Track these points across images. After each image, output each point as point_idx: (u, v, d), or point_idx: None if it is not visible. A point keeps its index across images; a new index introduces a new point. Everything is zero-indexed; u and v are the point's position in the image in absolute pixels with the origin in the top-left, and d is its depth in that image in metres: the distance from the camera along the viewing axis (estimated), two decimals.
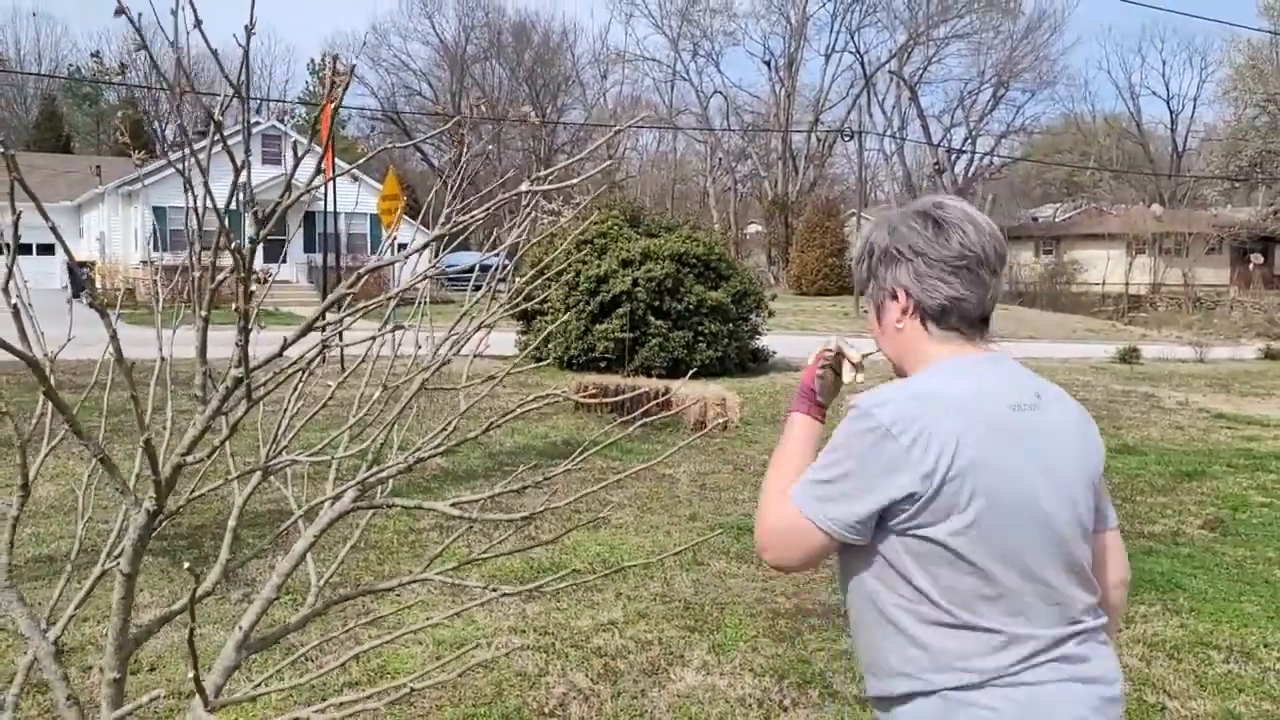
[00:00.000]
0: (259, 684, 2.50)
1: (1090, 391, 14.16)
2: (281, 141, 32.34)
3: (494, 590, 2.39)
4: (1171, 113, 75.78)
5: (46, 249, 32.87)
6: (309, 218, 31.36)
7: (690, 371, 13.74)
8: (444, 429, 2.29)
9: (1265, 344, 22.87)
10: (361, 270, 1.44)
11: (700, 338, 14.28)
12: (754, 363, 15.50)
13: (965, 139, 51.53)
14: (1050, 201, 57.51)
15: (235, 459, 2.26)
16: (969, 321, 1.73)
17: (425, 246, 1.48)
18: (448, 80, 53.94)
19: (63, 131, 48.45)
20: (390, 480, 2.39)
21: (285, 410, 1.96)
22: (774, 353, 15.90)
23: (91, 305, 1.56)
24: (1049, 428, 1.69)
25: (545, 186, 1.35)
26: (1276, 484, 8.08)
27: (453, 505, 2.29)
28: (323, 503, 2.24)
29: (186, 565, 1.57)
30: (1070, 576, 1.64)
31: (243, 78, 1.42)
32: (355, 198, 25.83)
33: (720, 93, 52.73)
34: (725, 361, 14.59)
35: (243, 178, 1.53)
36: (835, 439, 1.66)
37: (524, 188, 1.37)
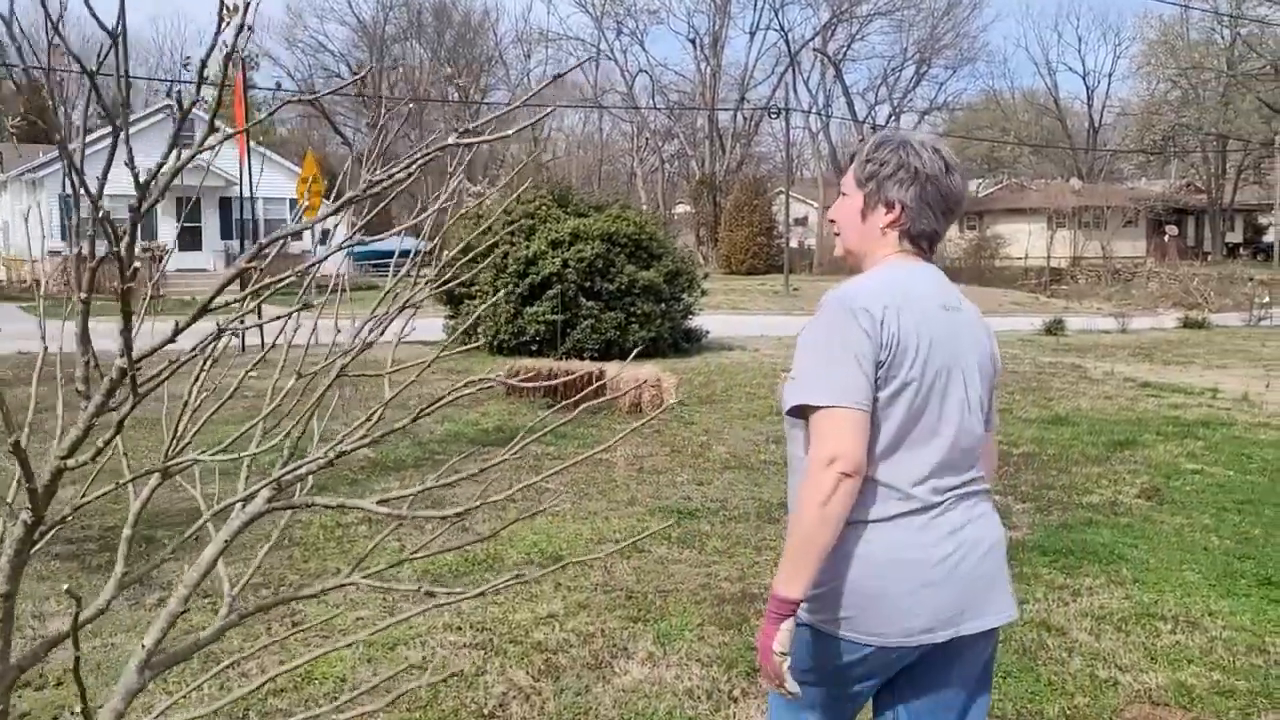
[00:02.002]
0: (175, 701, 2.29)
1: (1019, 364, 14.31)
2: (194, 125, 31.32)
3: (428, 594, 2.20)
4: (1088, 88, 77.72)
5: None
6: (225, 203, 30.49)
7: (626, 353, 13.59)
8: (367, 419, 2.09)
9: (1183, 313, 23.42)
10: (264, 241, 1.24)
11: (633, 318, 14.12)
12: (688, 342, 15.40)
13: (889, 116, 52.02)
14: (973, 177, 58.35)
15: (137, 459, 2.04)
16: (931, 245, 2.07)
17: (336, 210, 1.28)
18: (367, 61, 52.81)
19: None
20: (310, 477, 2.19)
21: (186, 404, 1.74)
22: (707, 332, 15.81)
23: None
24: (966, 329, 2.04)
25: (471, 140, 1.17)
26: (1205, 451, 8.19)
27: (380, 503, 2.10)
28: (235, 504, 2.03)
29: (65, 588, 1.36)
30: (969, 448, 2.00)
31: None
32: (261, 178, 25.14)
33: (645, 71, 52.52)
34: (659, 342, 14.46)
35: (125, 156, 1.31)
36: (816, 336, 1.93)
37: (451, 140, 1.18)
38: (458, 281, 2.13)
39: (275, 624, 4.43)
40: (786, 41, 48.66)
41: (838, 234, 2.13)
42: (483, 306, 2.54)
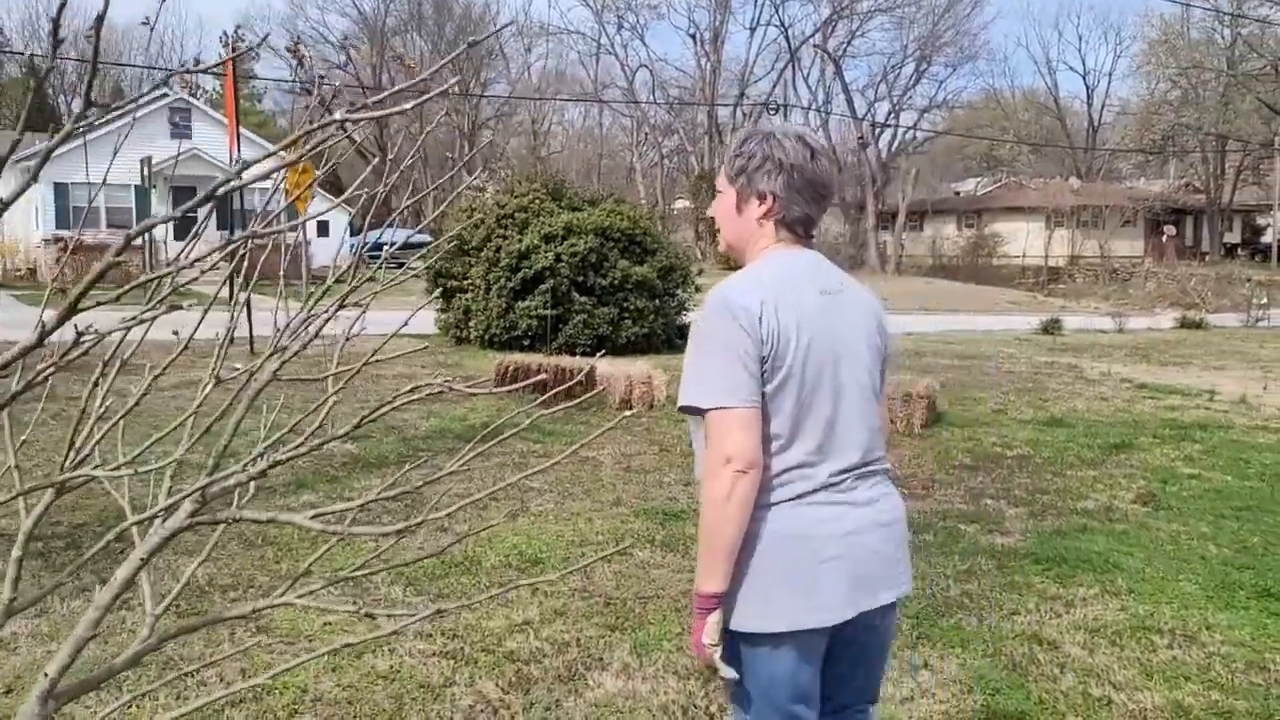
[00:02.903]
0: (126, 705, 2.13)
1: (1015, 364, 14.17)
2: (191, 115, 31.08)
3: (368, 615, 2.05)
4: (1087, 88, 77.28)
5: None
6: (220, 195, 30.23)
7: (619, 349, 13.42)
8: (311, 426, 1.93)
9: (1180, 314, 23.29)
10: (131, 233, 1.08)
11: (626, 314, 13.95)
12: (681, 339, 15.21)
13: (889, 113, 51.70)
14: (971, 175, 58.15)
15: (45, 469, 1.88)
16: (807, 230, 2.13)
17: (216, 194, 1.12)
18: (368, 53, 52.56)
19: None
20: (252, 484, 2.04)
21: (85, 412, 1.58)
22: None
23: None
24: (849, 311, 2.10)
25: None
26: (1202, 455, 8.04)
27: (314, 517, 1.94)
28: (154, 516, 1.87)
29: None
30: (864, 428, 2.08)
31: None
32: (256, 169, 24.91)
33: (646, 66, 52.21)
34: (652, 338, 14.30)
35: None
36: (702, 337, 2.01)
37: (339, 115, 1.02)
38: (389, 284, 1.97)
39: (239, 629, 4.27)
40: (787, 38, 48.40)
41: (718, 229, 2.22)
42: (473, 302, 2.39)
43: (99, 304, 1.46)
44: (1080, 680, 3.76)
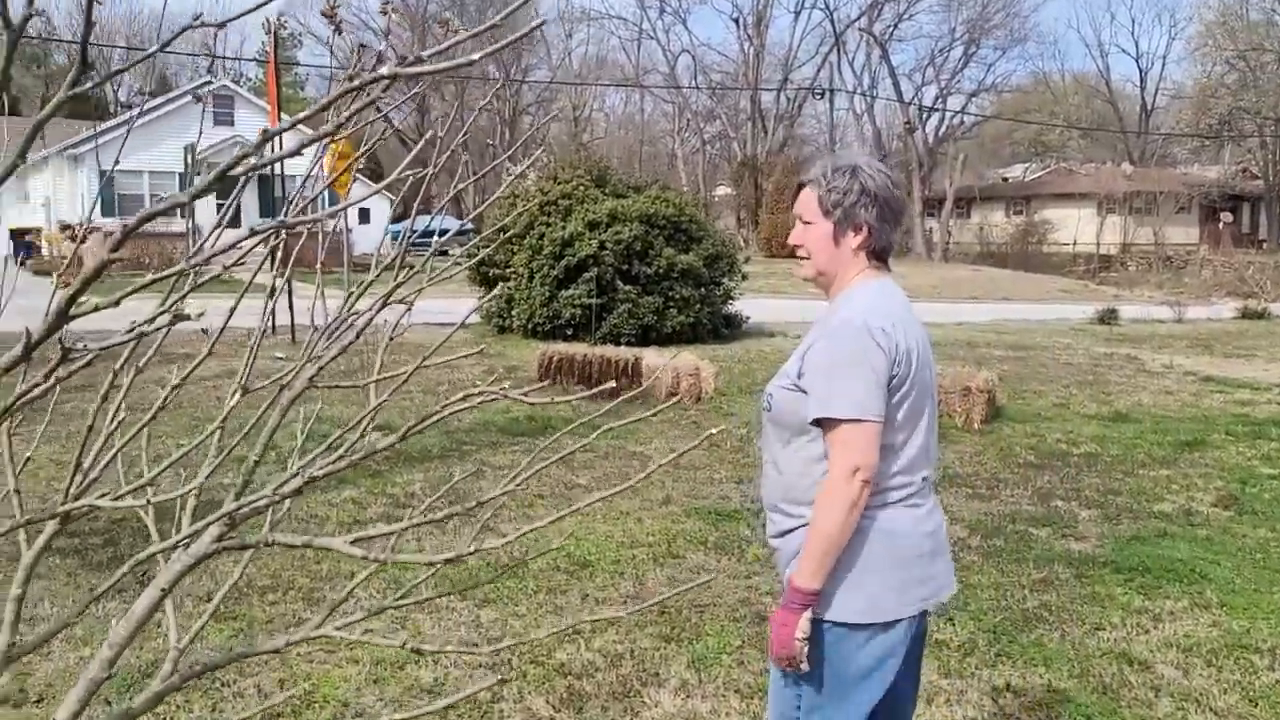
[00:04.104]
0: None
1: (1072, 354, 13.74)
2: (234, 102, 31.18)
3: (416, 651, 1.84)
4: (1141, 71, 75.67)
5: None
6: (264, 181, 30.40)
7: (664, 339, 13.17)
8: (350, 441, 1.73)
9: (1241, 303, 22.56)
10: (131, 224, 0.86)
11: (671, 303, 13.68)
12: (727, 328, 14.95)
13: (936, 97, 50.74)
14: (1019, 161, 57.06)
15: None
16: (888, 257, 2.30)
17: (191, 203, 0.89)
18: (409, 40, 52.55)
19: (9, 93, 46.70)
20: (281, 504, 1.84)
21: (93, 428, 1.36)
22: (748, 318, 15.34)
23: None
24: (921, 328, 2.27)
25: None
26: None
27: (354, 543, 1.73)
28: (178, 543, 1.67)
29: None
30: (935, 436, 2.30)
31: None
32: (311, 159, 24.89)
33: (688, 51, 51.70)
34: (697, 328, 14.02)
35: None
36: (842, 355, 2.14)
37: (386, 70, 0.79)
38: (436, 279, 1.75)
39: (277, 634, 4.08)
40: (832, 21, 47.59)
41: (805, 258, 2.29)
42: (516, 290, 2.19)
43: (119, 301, 1.24)
44: (1178, 706, 3.47)
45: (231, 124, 29.90)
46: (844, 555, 2.14)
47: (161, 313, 0.96)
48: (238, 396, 1.58)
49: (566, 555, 5.04)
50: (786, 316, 16.21)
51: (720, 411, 9.03)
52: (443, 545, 5.09)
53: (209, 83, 30.35)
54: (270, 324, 11.57)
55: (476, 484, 6.30)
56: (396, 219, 25.01)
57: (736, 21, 48.82)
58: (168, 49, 1.23)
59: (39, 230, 29.25)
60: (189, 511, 1.72)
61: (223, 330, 1.64)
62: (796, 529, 2.21)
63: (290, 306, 12.37)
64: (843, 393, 2.10)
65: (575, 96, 52.49)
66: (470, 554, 1.67)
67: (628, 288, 13.51)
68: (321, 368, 1.73)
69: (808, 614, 2.12)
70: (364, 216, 31.38)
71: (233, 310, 1.66)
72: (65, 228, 27.31)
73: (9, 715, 3.50)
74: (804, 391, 2.18)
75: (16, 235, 27.64)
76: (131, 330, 0.95)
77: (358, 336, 1.72)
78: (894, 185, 2.25)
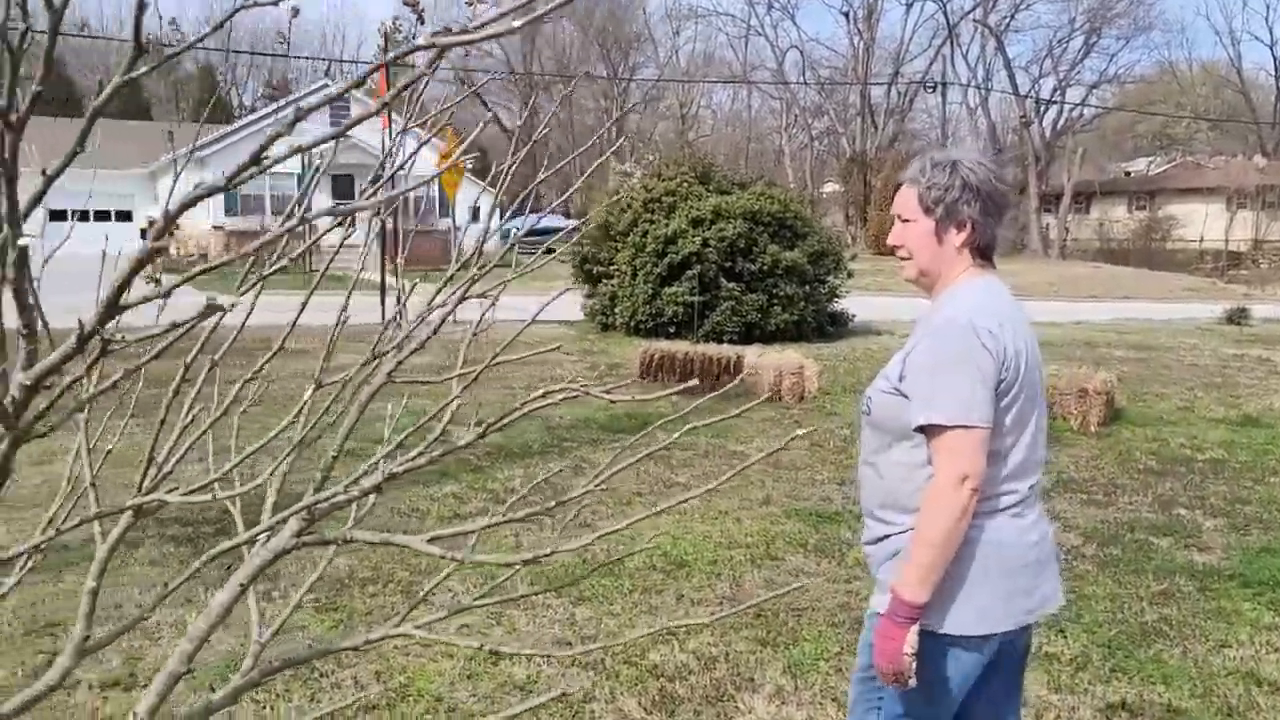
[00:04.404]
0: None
1: (1199, 355, 13.11)
2: (350, 105, 32.03)
3: (493, 652, 1.80)
4: (1275, 58, 72.06)
5: (124, 215, 33.17)
6: (378, 181, 31.15)
7: (767, 337, 13.02)
8: (431, 436, 1.70)
9: None
10: (171, 214, 0.83)
11: (775, 301, 13.52)
12: (832, 327, 14.71)
13: (1054, 90, 49.13)
14: (1142, 155, 54.86)
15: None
16: (993, 254, 2.21)
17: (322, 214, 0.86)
18: (518, 40, 53.21)
19: (142, 99, 48.98)
20: (364, 500, 1.83)
21: (163, 421, 1.36)
22: (854, 316, 15.07)
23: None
24: (1029, 328, 2.16)
25: None
26: None
27: (431, 541, 1.69)
28: (258, 534, 1.66)
29: None
30: (1043, 443, 2.18)
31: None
32: (421, 159, 25.42)
33: (797, 47, 51.16)
34: (802, 326, 13.83)
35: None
36: (947, 357, 2.04)
37: (422, 40, 0.74)
38: (520, 272, 1.71)
39: (377, 624, 4.13)
40: (945, 13, 46.46)
41: (906, 258, 2.21)
42: (619, 288, 2.15)
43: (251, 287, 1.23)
44: None
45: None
46: (950, 564, 2.07)
47: (198, 316, 0.93)
48: (312, 390, 1.56)
49: (663, 554, 4.98)
50: (894, 315, 15.86)
51: (823, 411, 8.87)
52: (540, 542, 5.09)
53: (325, 86, 31.21)
54: (398, 318, 11.84)
55: (575, 481, 6.29)
56: (504, 217, 25.34)
57: (846, 15, 48.10)
58: (296, 55, 1.21)
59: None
60: (269, 506, 1.71)
61: (341, 324, 1.64)
62: (892, 535, 2.14)
63: (401, 302, 12.62)
64: (948, 397, 2.01)
65: (682, 94, 52.48)
66: (547, 555, 1.63)
67: (731, 285, 13.40)
68: (399, 363, 1.71)
69: (916, 628, 2.03)
70: (475, 215, 31.92)
71: (303, 305, 1.65)
72: (151, 223, 28.57)
73: (118, 699, 3.61)
74: (905, 396, 2.09)
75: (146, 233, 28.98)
76: (173, 323, 0.93)
77: (434, 332, 1.70)
78: (997, 178, 2.14)
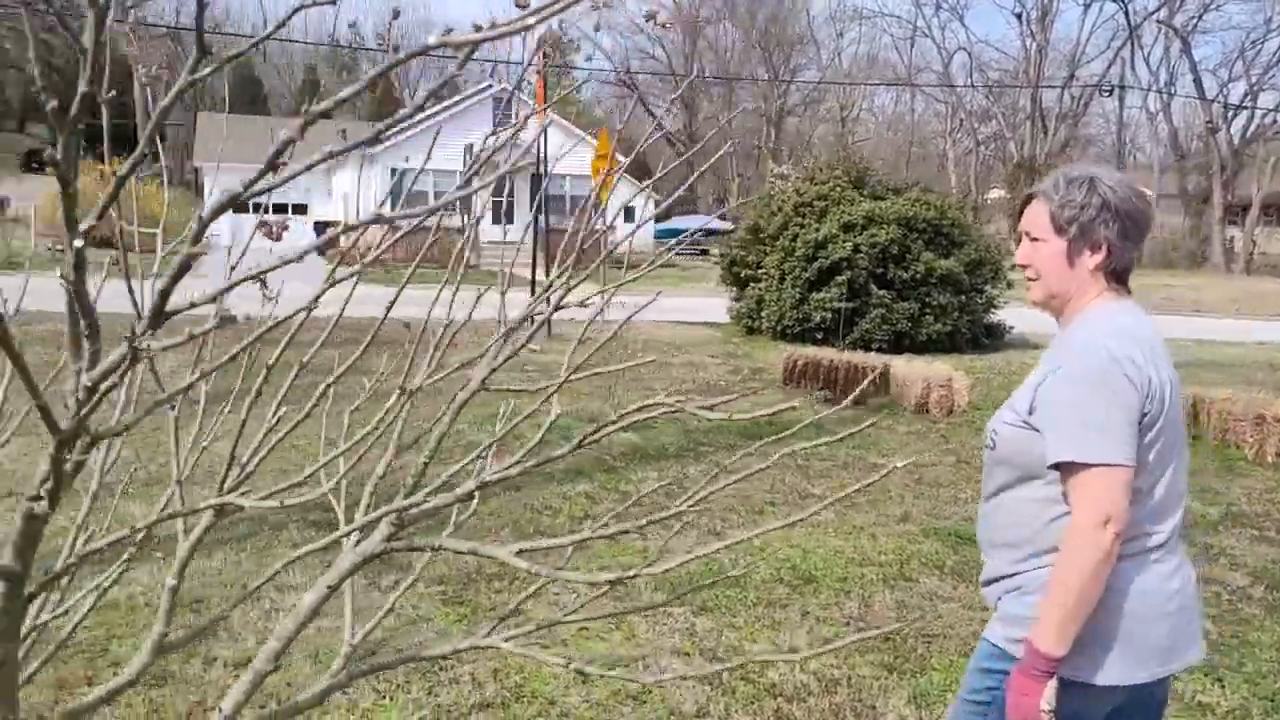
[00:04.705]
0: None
1: None
2: (513, 105, 32.80)
3: (579, 672, 1.76)
4: None
5: (300, 208, 34.88)
6: (535, 179, 31.82)
7: (918, 347, 12.63)
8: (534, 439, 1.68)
9: None
10: (216, 205, 0.81)
11: (927, 309, 13.11)
12: (988, 338, 14.16)
13: (1245, 94, 46.07)
14: None
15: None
16: (1128, 278, 2.06)
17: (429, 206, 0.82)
18: (680, 43, 53.46)
19: (321, 99, 51.41)
20: (462, 506, 1.83)
21: (244, 421, 1.36)
22: (1011, 328, 14.47)
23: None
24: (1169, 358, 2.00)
25: None
26: None
27: (519, 554, 1.67)
28: (347, 535, 1.67)
29: None
30: (1185, 482, 2.02)
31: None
32: (570, 156, 25.81)
33: (964, 49, 49.80)
34: (955, 336, 13.37)
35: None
36: (1086, 389, 1.88)
37: (433, 40, 0.69)
38: (639, 275, 1.65)
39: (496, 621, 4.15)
40: (1126, 14, 44.20)
41: (1033, 279, 2.08)
42: (767, 292, 2.08)
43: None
44: None
45: (509, 126, 31.46)
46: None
47: (215, 324, 0.91)
48: (402, 396, 1.54)
49: (791, 568, 4.86)
50: (1055, 328, 15.15)
51: (972, 426, 8.52)
52: (669, 546, 5.04)
53: (489, 86, 32.04)
54: (460, 327, 12.03)
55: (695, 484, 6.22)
56: (659, 219, 25.47)
57: (1019, 16, 46.44)
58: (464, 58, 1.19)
59: (338, 223, 32.03)
60: (362, 509, 1.71)
61: (373, 336, 1.62)
62: (1014, 575, 2.00)
63: (550, 301, 12.81)
64: (1089, 433, 1.86)
65: (843, 96, 51.67)
66: (632, 576, 1.57)
67: (881, 292, 13.07)
68: (494, 369, 1.68)
69: (1053, 683, 1.88)
70: (629, 215, 32.26)
71: (392, 307, 1.64)
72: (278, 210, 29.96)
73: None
74: (1035, 429, 1.94)
75: (320, 227, 30.38)
76: (190, 333, 0.90)
77: (529, 339, 1.66)
78: (1137, 198, 2.00)
